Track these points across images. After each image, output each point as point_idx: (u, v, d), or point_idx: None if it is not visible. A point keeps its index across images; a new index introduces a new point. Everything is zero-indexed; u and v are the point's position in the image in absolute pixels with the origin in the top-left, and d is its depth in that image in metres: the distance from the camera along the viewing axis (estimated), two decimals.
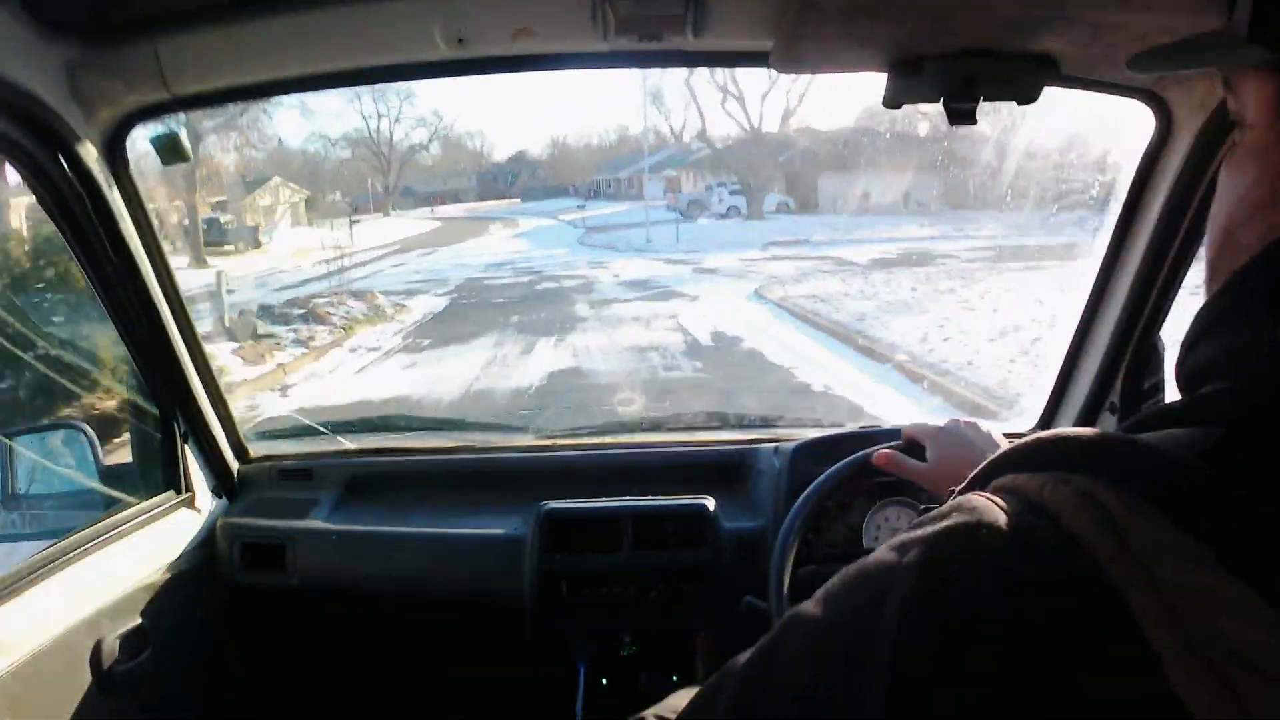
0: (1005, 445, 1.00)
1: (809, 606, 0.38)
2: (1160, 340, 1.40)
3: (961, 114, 1.04)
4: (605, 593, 1.46)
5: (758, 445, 1.65)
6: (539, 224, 31.10)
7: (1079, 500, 0.33)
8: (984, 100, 1.03)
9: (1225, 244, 0.42)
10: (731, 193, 26.97)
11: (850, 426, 1.67)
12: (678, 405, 6.40)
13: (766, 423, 1.82)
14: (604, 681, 1.53)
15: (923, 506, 1.35)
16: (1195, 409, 0.38)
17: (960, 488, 0.40)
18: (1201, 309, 0.42)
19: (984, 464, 0.40)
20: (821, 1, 0.90)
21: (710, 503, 1.49)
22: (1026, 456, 0.38)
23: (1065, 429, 0.39)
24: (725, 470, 1.66)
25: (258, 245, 24.43)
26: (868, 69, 1.04)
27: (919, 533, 0.36)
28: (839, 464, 1.24)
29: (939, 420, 1.12)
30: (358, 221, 29.38)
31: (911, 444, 1.11)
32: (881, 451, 1.13)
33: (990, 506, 0.35)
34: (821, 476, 1.23)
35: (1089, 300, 1.45)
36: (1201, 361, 0.40)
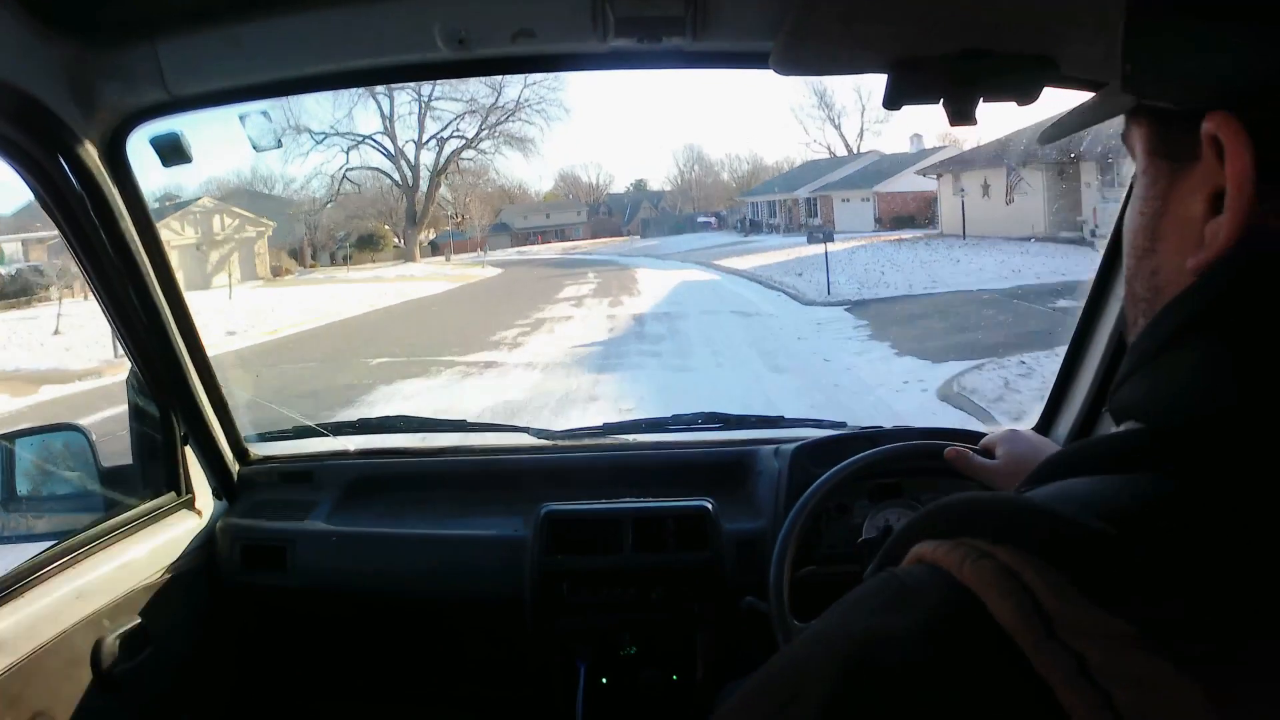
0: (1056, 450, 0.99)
1: (725, 714, 0.36)
2: None
3: (961, 114, 1.04)
4: (605, 593, 1.46)
5: (758, 446, 1.65)
6: (682, 279, 16.30)
7: (1001, 579, 0.32)
8: (984, 101, 1.03)
9: (1127, 291, 0.43)
10: None
11: (850, 428, 1.67)
12: None
13: (766, 423, 1.81)
14: (604, 681, 1.53)
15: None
16: (1122, 448, 0.38)
17: (883, 550, 0.40)
18: (1128, 349, 0.43)
19: (902, 528, 0.39)
20: (822, 3, 0.91)
21: (710, 504, 1.49)
22: (944, 522, 0.37)
23: (978, 493, 0.38)
24: (725, 471, 1.65)
25: None
26: (869, 70, 1.04)
27: (835, 623, 0.35)
28: (839, 466, 1.24)
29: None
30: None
31: (985, 450, 1.13)
32: (954, 448, 1.14)
33: (910, 593, 0.34)
34: (822, 478, 1.23)
35: (1089, 301, 1.45)
36: (1125, 398, 0.40)
